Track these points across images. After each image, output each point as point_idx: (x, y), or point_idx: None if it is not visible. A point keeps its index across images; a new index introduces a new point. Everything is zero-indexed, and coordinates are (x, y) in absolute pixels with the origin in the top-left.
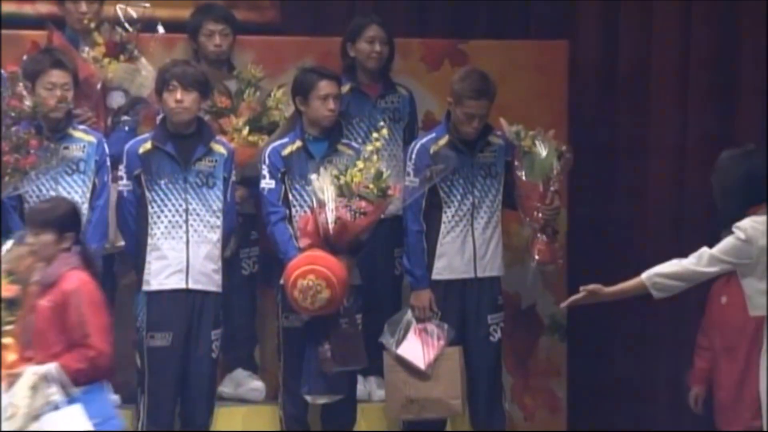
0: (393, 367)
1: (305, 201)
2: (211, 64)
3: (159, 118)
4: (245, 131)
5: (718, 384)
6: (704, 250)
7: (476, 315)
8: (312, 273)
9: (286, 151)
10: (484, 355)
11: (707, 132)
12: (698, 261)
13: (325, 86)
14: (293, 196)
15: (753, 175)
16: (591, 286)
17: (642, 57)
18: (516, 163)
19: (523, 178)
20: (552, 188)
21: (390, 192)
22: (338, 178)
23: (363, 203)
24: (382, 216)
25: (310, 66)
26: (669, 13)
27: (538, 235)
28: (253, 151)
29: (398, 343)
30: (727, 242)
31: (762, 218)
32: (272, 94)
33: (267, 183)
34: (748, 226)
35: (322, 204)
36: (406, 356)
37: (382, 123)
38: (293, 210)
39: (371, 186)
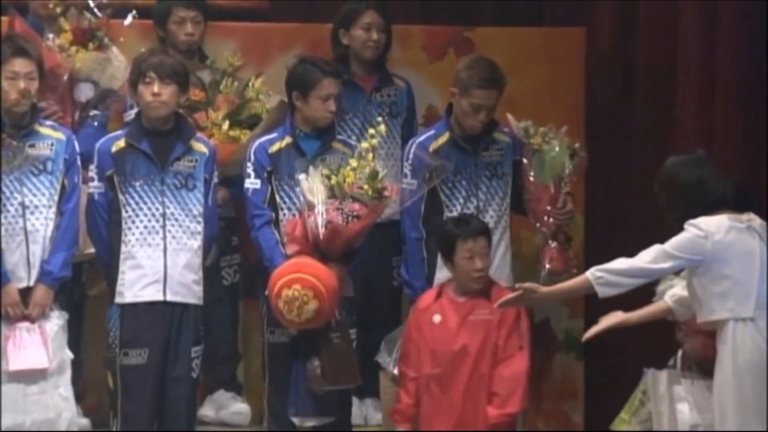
0: (390, 388)
1: (294, 203)
2: (182, 54)
3: (131, 113)
4: (225, 126)
5: (426, 419)
6: (655, 247)
7: None
8: (298, 282)
9: (273, 148)
10: None
11: (736, 126)
12: (647, 257)
13: (328, 85)
14: (281, 197)
15: (704, 182)
16: (527, 284)
17: (665, 45)
18: (525, 162)
19: (532, 178)
20: (564, 190)
21: (386, 193)
22: (329, 178)
23: (356, 206)
24: (378, 221)
25: (310, 58)
26: None
27: (550, 241)
28: (234, 148)
29: (396, 362)
30: (681, 237)
31: (717, 217)
32: (251, 84)
33: (252, 183)
34: (702, 221)
35: (311, 206)
36: None
37: (379, 118)
38: (281, 213)
39: (365, 187)
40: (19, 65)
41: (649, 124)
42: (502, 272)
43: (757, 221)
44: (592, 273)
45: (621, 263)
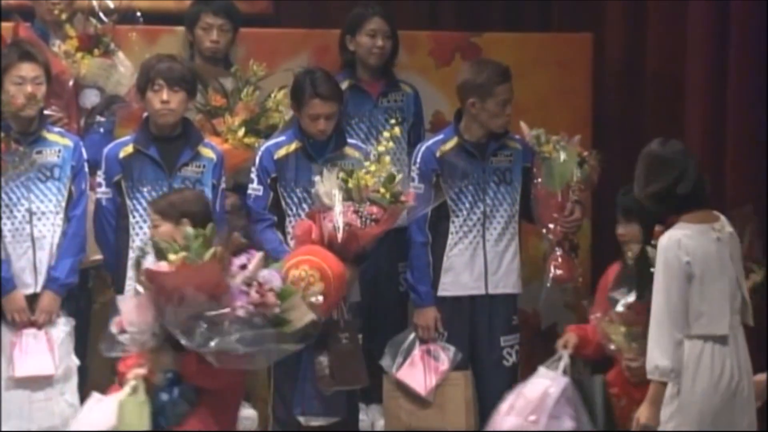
0: (392, 392)
1: (303, 208)
2: (207, 60)
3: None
4: (241, 132)
5: None
6: (655, 303)
7: (488, 336)
8: (306, 263)
9: (280, 153)
10: (497, 381)
11: (746, 134)
12: (668, 322)
13: (315, 105)
14: (286, 203)
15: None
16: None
17: (674, 50)
18: (534, 169)
19: (540, 186)
20: (572, 198)
21: (403, 198)
22: (346, 182)
23: (375, 209)
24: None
25: (311, 72)
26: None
27: (555, 249)
28: (247, 154)
29: (399, 366)
30: (665, 276)
31: (693, 228)
32: (272, 95)
33: (254, 189)
34: (675, 241)
35: (327, 209)
36: (406, 381)
37: (393, 120)
38: (287, 220)
39: (382, 190)
40: (26, 70)
41: (656, 131)
42: (510, 279)
43: (726, 230)
44: (664, 374)
45: (665, 348)
